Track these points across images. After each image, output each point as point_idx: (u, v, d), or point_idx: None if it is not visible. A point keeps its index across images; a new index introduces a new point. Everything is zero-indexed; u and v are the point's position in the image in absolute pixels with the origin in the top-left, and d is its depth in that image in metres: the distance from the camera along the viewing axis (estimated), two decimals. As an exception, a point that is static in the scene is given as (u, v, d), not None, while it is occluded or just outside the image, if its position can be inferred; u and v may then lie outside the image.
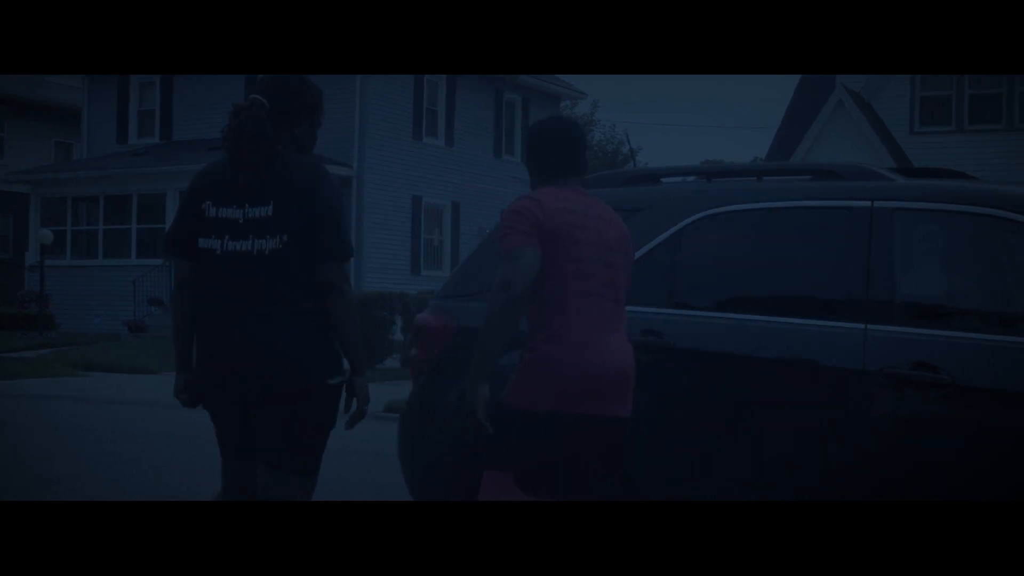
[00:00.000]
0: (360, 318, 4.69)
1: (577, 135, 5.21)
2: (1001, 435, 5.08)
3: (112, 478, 10.02)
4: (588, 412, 4.83)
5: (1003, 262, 5.56)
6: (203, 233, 4.70)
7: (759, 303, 5.83)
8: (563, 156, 5.13)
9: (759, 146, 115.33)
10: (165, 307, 31.46)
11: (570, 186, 5.10)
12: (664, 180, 6.45)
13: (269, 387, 4.56)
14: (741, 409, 5.66)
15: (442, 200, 35.15)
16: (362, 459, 11.32)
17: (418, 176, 33.79)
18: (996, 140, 27.08)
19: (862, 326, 5.39)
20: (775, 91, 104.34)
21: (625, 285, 5.09)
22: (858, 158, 23.28)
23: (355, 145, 32.13)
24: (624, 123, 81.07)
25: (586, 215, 5.00)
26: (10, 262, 41.58)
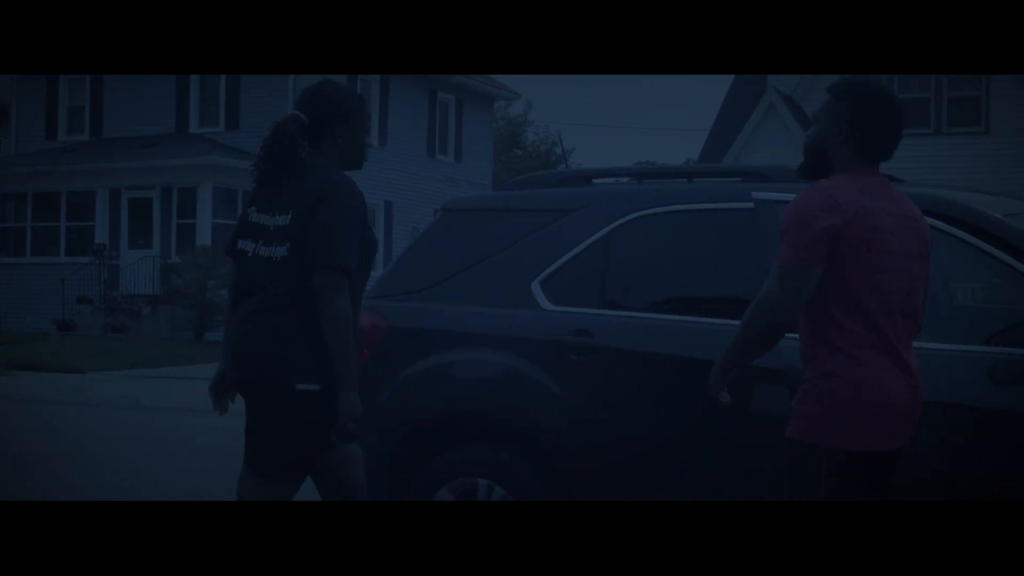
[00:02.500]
0: (349, 331, 4.68)
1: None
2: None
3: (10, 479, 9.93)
4: (873, 449, 4.14)
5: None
6: (242, 235, 4.89)
7: (689, 304, 5.85)
8: (891, 135, 4.33)
9: (692, 148, 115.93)
10: (95, 305, 31.18)
11: (872, 172, 4.31)
12: (596, 181, 6.47)
13: (250, 389, 4.74)
14: (671, 409, 5.68)
15: (375, 199, 35.02)
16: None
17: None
18: (923, 144, 27.33)
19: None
20: (708, 93, 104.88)
21: (923, 297, 4.34)
22: (789, 160, 23.45)
23: (287, 144, 31.95)
24: (558, 124, 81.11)
25: (891, 215, 4.22)
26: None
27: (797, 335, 4.34)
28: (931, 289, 5.10)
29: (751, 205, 5.77)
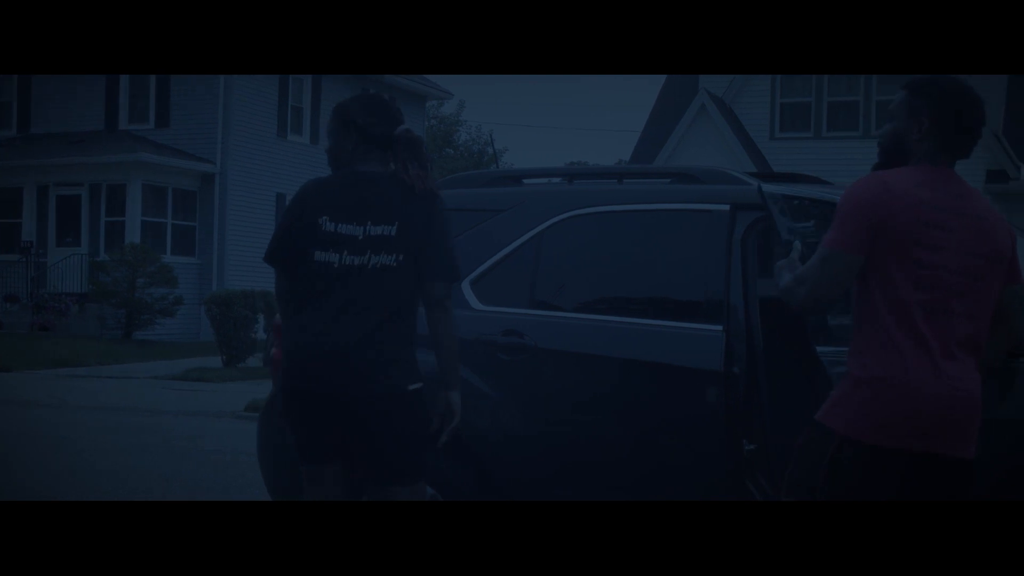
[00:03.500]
0: (456, 335, 4.86)
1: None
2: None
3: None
4: (909, 448, 4.02)
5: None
6: (319, 247, 4.85)
7: (619, 305, 5.88)
8: (972, 133, 4.26)
9: (624, 149, 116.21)
10: (22, 303, 30.83)
11: (942, 168, 4.23)
12: (527, 182, 6.48)
13: (357, 395, 4.75)
14: (600, 409, 5.70)
15: (306, 198, 34.85)
16: (224, 458, 11.22)
17: (282, 174, 33.49)
18: (852, 147, 27.58)
19: (721, 327, 5.46)
20: (640, 94, 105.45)
21: (991, 300, 4.18)
22: (719, 162, 23.62)
23: (218, 142, 31.83)
24: (491, 124, 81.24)
25: (951, 211, 4.11)
26: None
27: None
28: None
29: (680, 207, 5.81)
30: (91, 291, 29.80)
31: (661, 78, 35.48)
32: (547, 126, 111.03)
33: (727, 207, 5.65)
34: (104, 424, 14.44)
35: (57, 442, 12.53)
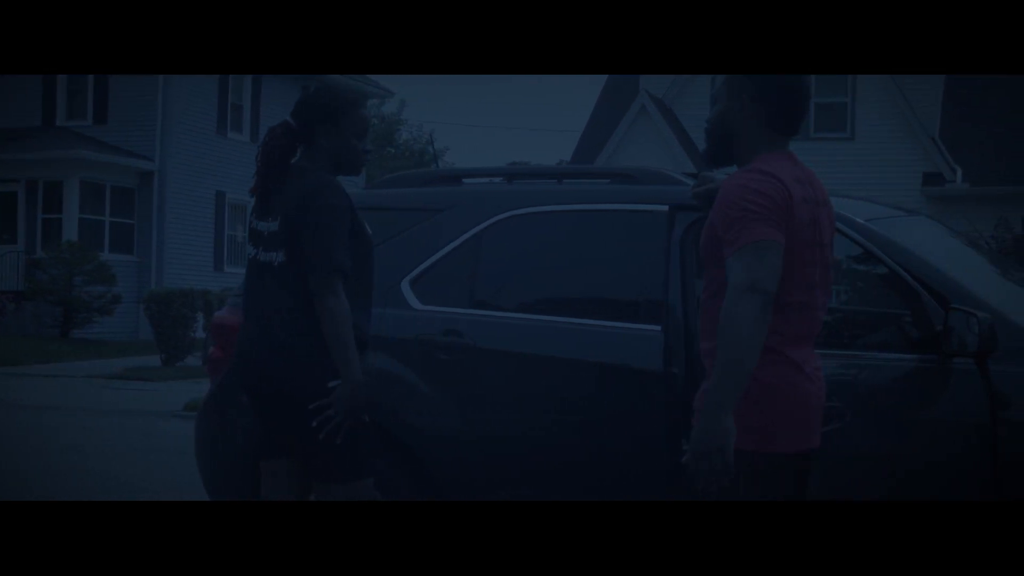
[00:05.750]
0: (345, 328, 4.73)
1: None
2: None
3: None
4: (811, 447, 3.99)
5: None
6: (249, 241, 4.98)
7: (559, 304, 5.90)
8: (797, 103, 4.16)
9: (565, 149, 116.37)
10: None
11: (790, 154, 4.11)
12: (467, 181, 6.48)
13: (279, 394, 4.80)
14: (539, 409, 5.71)
15: (246, 196, 34.58)
16: (161, 457, 11.16)
17: (222, 171, 33.31)
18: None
19: (660, 328, 5.49)
20: (582, 95, 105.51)
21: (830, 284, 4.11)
22: (660, 163, 23.70)
23: (157, 139, 31.59)
24: (432, 123, 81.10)
25: (820, 203, 4.04)
26: None
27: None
28: None
29: (619, 207, 5.84)
30: (27, 289, 29.50)
31: (602, 78, 35.56)
32: (489, 125, 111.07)
33: (666, 208, 5.67)
34: (42, 423, 14.32)
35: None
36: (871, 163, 27.64)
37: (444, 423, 5.77)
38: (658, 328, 5.49)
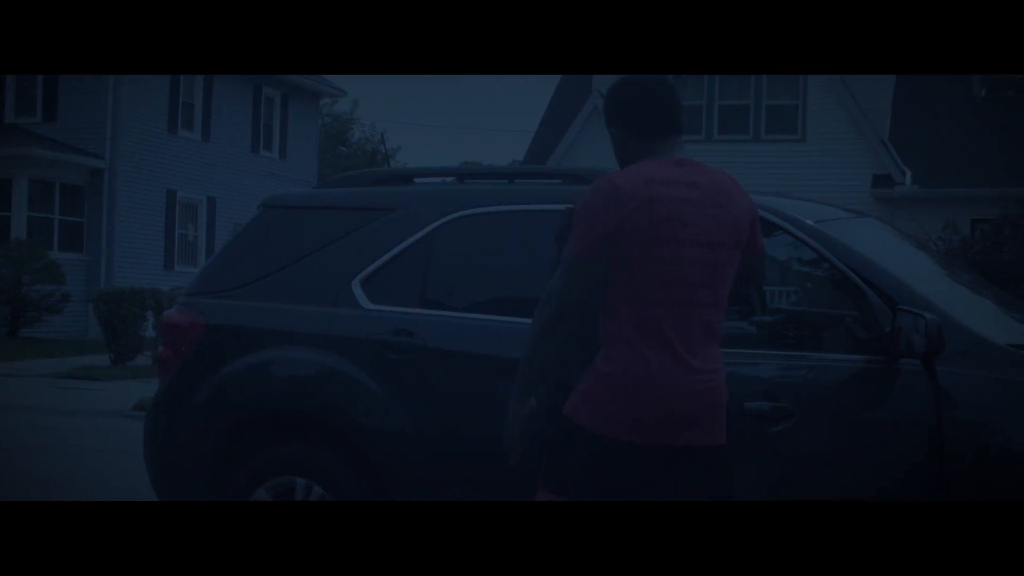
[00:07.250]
0: None
1: (671, 87, 4.46)
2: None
3: None
4: (664, 443, 4.11)
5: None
6: None
7: (510, 305, 5.89)
8: (647, 106, 4.37)
9: (518, 149, 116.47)
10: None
11: (669, 154, 4.29)
12: (418, 181, 6.47)
13: None
14: (490, 409, 5.71)
15: (197, 195, 34.55)
16: (111, 457, 11.09)
17: (173, 170, 33.13)
18: (742, 150, 27.95)
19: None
20: (534, 95, 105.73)
21: (728, 285, 4.28)
22: (612, 164, 23.73)
23: (107, 136, 31.35)
24: (385, 123, 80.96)
25: (688, 201, 4.15)
26: None
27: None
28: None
29: (569, 207, 5.84)
30: (-25, 288, 29.24)
31: (555, 79, 35.60)
32: (442, 125, 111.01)
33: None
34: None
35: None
36: (821, 165, 27.80)
37: (395, 423, 5.76)
38: (609, 328, 5.50)
